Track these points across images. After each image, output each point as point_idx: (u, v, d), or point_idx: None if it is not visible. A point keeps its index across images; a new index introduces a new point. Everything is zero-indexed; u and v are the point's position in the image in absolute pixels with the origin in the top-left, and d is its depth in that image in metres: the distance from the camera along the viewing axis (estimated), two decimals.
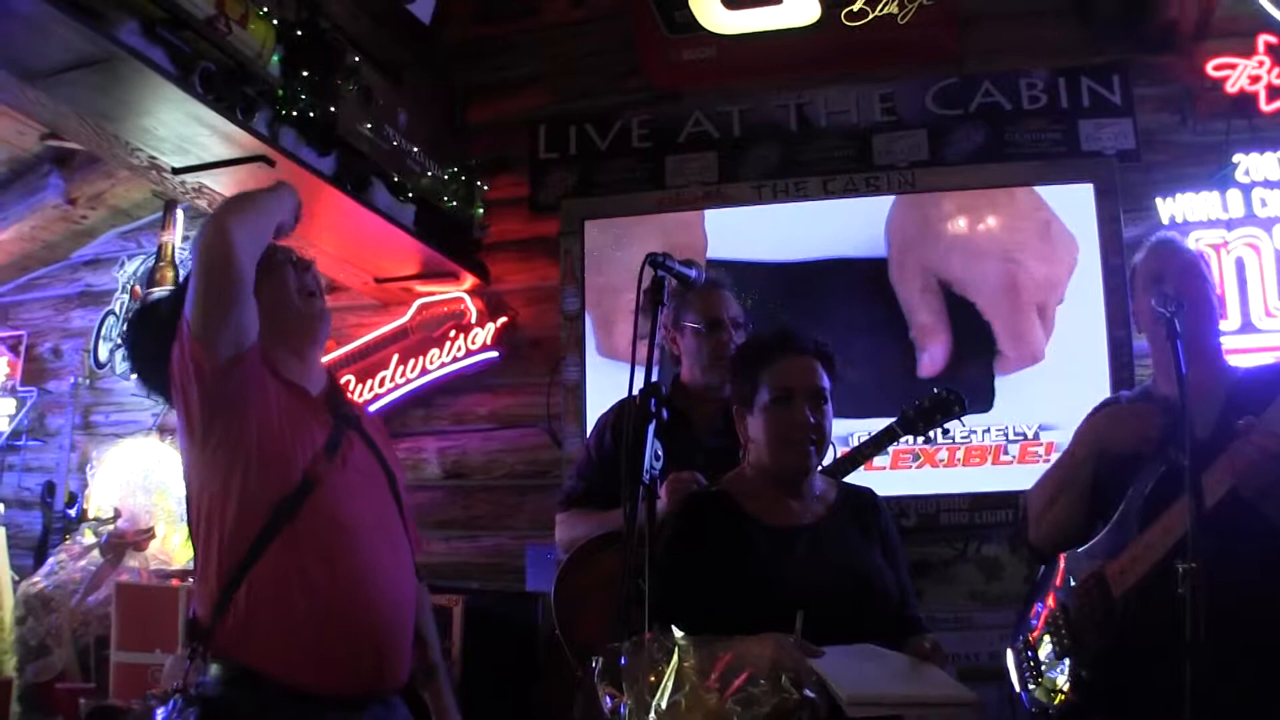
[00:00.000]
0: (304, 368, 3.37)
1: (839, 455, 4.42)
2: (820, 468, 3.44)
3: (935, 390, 4.48)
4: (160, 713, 3.24)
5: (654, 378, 2.99)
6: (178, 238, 7.34)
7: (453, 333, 6.82)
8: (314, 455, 3.20)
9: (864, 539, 3.30)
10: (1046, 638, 3.60)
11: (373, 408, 6.57)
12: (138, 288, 7.43)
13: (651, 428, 2.88)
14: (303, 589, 3.02)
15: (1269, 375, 3.72)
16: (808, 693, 2.24)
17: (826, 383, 3.30)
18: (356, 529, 3.19)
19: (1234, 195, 5.87)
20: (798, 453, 3.24)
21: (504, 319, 6.80)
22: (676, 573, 3.10)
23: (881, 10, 6.49)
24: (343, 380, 6.44)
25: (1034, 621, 3.70)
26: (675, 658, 2.23)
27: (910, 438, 4.53)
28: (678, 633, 2.28)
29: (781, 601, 2.84)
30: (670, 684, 2.20)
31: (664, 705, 2.19)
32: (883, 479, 5.49)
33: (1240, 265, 5.80)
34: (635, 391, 2.95)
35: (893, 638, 3.04)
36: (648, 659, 2.24)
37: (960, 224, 6.28)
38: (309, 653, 2.99)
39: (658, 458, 2.88)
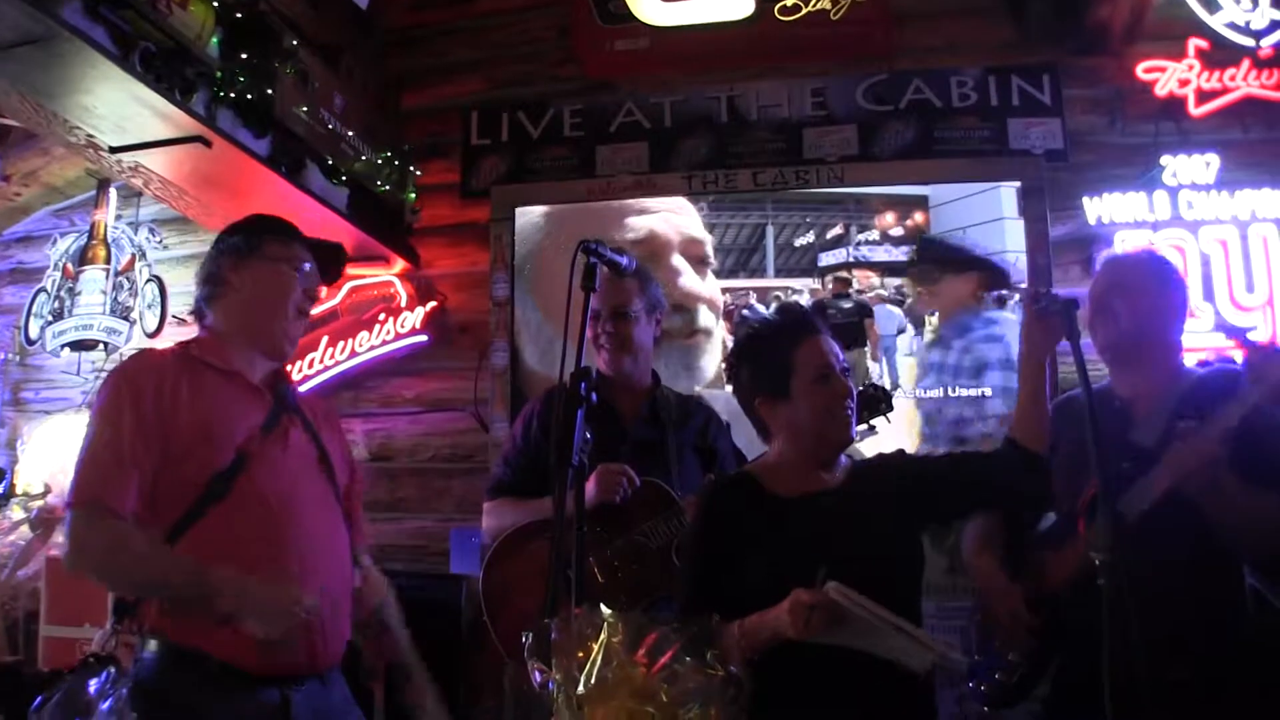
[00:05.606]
0: (251, 360, 3.41)
1: None
2: None
3: (861, 387, 4.51)
4: (93, 684, 3.28)
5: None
6: (110, 216, 7.36)
7: (382, 316, 6.82)
8: (249, 434, 3.25)
9: (884, 500, 3.32)
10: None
11: (301, 389, 6.52)
12: (70, 265, 7.41)
13: (581, 412, 2.93)
14: (234, 566, 3.04)
15: (1219, 380, 3.77)
16: (732, 669, 2.29)
17: None
18: (291, 507, 3.24)
19: (1160, 197, 5.97)
20: (845, 423, 3.33)
21: (433, 303, 6.82)
22: (707, 557, 3.23)
23: (814, 6, 6.56)
24: None
25: None
26: (604, 633, 2.27)
27: None
28: (605, 610, 2.33)
29: (807, 566, 2.92)
30: (598, 659, 2.24)
31: (592, 680, 2.23)
32: None
33: None
34: (566, 377, 3.00)
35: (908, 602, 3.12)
36: (577, 634, 2.29)
37: None
38: (239, 630, 3.00)
39: (587, 441, 2.93)
